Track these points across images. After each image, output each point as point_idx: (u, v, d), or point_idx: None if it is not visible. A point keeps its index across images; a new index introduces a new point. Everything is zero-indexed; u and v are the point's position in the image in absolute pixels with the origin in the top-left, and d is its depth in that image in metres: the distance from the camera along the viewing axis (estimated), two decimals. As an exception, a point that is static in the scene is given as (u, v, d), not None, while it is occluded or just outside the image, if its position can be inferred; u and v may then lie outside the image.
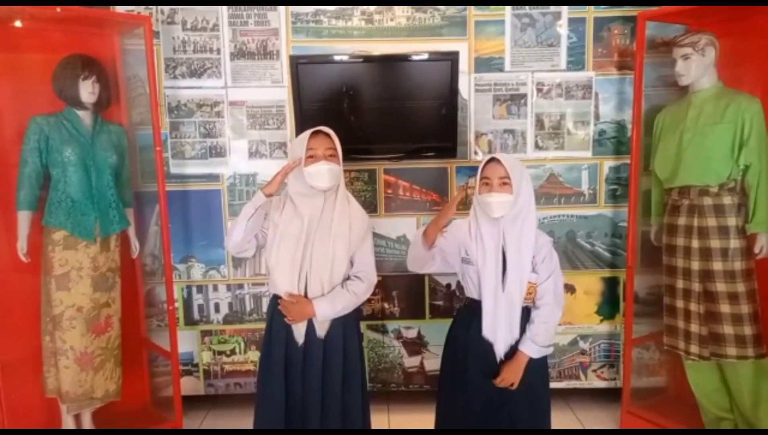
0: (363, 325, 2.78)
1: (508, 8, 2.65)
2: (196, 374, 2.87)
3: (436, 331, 2.82)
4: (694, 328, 2.30)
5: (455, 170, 2.75)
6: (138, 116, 2.67)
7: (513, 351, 1.79)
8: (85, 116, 2.34)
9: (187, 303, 2.82)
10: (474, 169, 1.99)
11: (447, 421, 1.95)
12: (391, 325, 2.86)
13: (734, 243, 2.22)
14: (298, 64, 2.52)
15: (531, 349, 1.77)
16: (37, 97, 2.35)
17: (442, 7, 2.65)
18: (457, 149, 2.65)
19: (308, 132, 1.87)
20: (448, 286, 2.82)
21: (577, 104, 2.72)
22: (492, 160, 1.76)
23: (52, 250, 2.26)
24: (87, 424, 2.45)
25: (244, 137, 2.73)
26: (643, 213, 2.62)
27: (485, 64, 2.69)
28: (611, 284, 2.83)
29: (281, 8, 2.64)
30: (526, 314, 1.80)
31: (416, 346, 2.87)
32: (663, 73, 2.62)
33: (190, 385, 2.84)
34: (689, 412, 2.53)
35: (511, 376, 1.77)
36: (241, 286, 2.82)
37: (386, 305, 2.84)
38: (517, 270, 1.75)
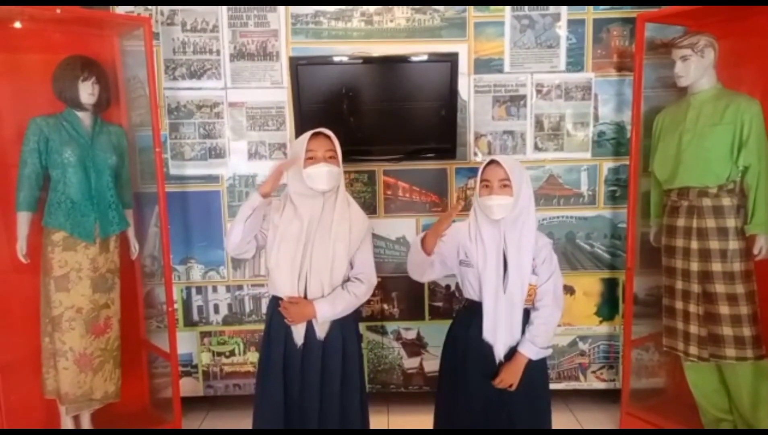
0: (362, 326, 2.78)
1: (507, 9, 2.66)
2: (195, 375, 2.87)
3: (435, 333, 2.82)
4: (694, 329, 2.31)
5: (455, 171, 2.75)
6: (138, 117, 2.67)
7: (512, 352, 1.79)
8: (84, 117, 2.34)
9: (187, 304, 2.82)
10: (473, 170, 1.99)
11: (446, 421, 1.94)
12: (391, 326, 2.86)
13: (733, 244, 2.22)
14: (297, 65, 2.53)
15: (530, 351, 1.77)
16: (37, 98, 2.35)
17: (442, 9, 2.65)
18: (457, 150, 2.65)
19: (308, 133, 1.87)
20: (448, 287, 2.82)
21: (577, 105, 2.72)
22: (492, 162, 1.76)
23: (52, 251, 2.26)
24: (86, 425, 2.45)
25: (244, 138, 2.73)
26: (643, 214, 2.62)
27: (485, 65, 2.69)
28: (610, 285, 2.83)
29: (281, 9, 2.64)
30: (525, 316, 1.80)
31: (416, 347, 2.87)
32: (662, 75, 2.62)
33: (189, 387, 2.84)
34: (688, 413, 2.53)
35: (509, 378, 1.77)
36: (240, 288, 2.82)
37: (386, 306, 2.84)
38: (518, 272, 1.75)
